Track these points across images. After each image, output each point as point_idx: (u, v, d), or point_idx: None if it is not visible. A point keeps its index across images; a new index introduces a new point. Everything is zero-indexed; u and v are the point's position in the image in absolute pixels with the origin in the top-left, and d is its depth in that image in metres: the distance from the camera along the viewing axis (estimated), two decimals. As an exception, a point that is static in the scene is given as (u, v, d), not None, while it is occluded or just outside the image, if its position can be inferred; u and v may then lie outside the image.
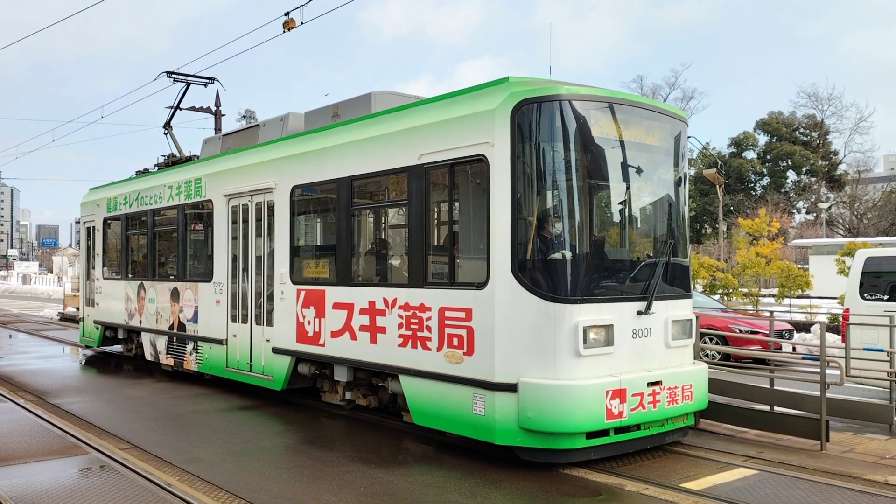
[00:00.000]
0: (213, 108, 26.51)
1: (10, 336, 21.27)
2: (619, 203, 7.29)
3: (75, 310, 30.69)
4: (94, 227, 15.92)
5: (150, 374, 13.36)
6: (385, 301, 8.08)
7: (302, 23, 13.48)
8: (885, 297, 10.21)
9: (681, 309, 7.59)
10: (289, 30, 13.79)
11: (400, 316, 7.87)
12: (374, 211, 9.23)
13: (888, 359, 8.64)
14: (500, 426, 6.74)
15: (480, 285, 6.96)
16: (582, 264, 6.84)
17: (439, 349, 7.38)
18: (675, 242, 7.61)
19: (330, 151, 9.04)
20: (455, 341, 7.21)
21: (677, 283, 7.62)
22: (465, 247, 7.46)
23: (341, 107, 9.94)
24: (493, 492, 6.27)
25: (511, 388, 6.70)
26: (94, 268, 15.86)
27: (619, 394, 6.69)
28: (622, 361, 6.92)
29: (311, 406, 10.11)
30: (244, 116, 67.69)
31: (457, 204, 7.46)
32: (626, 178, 7.22)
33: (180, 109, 16.44)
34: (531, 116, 6.80)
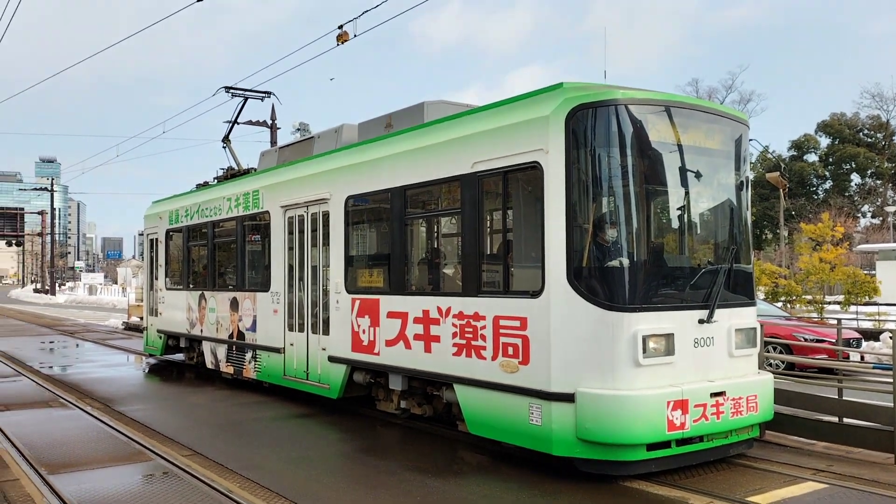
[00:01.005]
0: (269, 122, 27.15)
1: (77, 345, 22.01)
2: (678, 209, 7.11)
3: (139, 319, 31.67)
4: (156, 239, 16.40)
5: (211, 382, 13.63)
6: (439, 310, 8.07)
7: (355, 35, 13.66)
8: None
9: (744, 317, 7.36)
10: (342, 43, 13.97)
11: (454, 325, 7.85)
12: (427, 220, 9.24)
13: None
14: (557, 437, 6.64)
15: (535, 294, 6.89)
16: (640, 272, 6.70)
17: (494, 358, 7.32)
18: (738, 248, 7.39)
19: (383, 161, 9.10)
20: (510, 350, 7.14)
21: (740, 290, 7.39)
22: (519, 255, 7.39)
23: (394, 117, 10.00)
24: (550, 504, 6.17)
25: (568, 398, 6.59)
26: (157, 278, 16.33)
27: (681, 404, 6.51)
28: (684, 371, 6.74)
29: (365, 415, 10.16)
30: (298, 129, 69.09)
31: (510, 212, 7.41)
32: (684, 183, 7.05)
33: (238, 123, 16.82)
34: (586, 122, 6.71)
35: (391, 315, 8.83)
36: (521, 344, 7.03)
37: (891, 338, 7.64)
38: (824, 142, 60.38)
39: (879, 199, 55.62)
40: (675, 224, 7.19)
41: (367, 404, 10.17)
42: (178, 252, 15.40)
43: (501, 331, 7.25)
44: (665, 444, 6.57)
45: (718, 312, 6.97)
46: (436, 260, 8.78)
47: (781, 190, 30.53)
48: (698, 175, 7.13)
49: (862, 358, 13.51)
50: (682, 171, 7.00)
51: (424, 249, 9.19)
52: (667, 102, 6.98)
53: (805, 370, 12.91)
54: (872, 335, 17.99)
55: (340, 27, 13.93)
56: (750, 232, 7.83)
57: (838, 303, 22.84)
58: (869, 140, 59.50)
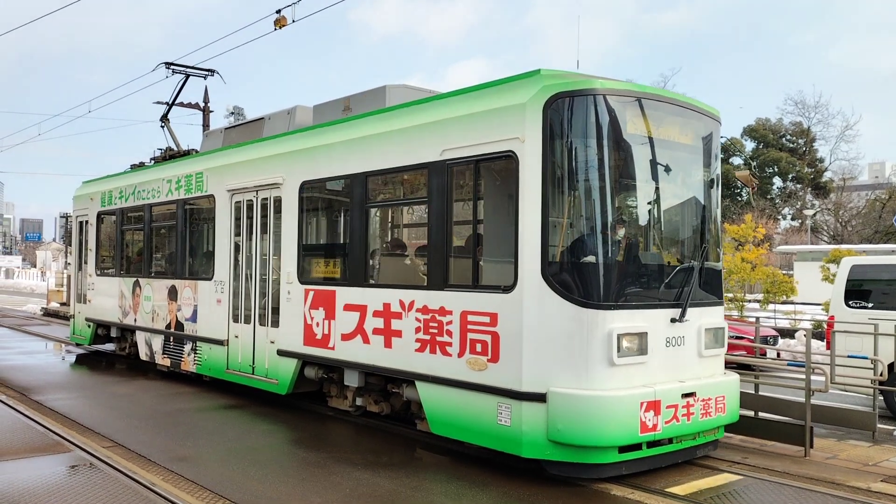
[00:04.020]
0: (202, 105, 26.07)
1: (-7, 331, 20.82)
2: (653, 204, 6.94)
3: (59, 305, 30.29)
4: (86, 222, 15.42)
5: (137, 372, 13.06)
6: (401, 303, 7.70)
7: (293, 21, 13.45)
8: (870, 306, 10.28)
9: (714, 316, 7.28)
10: (280, 27, 13.70)
11: (417, 319, 7.50)
12: (390, 209, 8.85)
13: (872, 366, 8.80)
14: (527, 438, 6.38)
15: (507, 289, 6.61)
16: (616, 268, 6.50)
17: (461, 355, 7.02)
18: (709, 246, 7.29)
19: (344, 146, 8.65)
20: (478, 347, 6.85)
21: (710, 289, 7.30)
22: (490, 248, 7.10)
23: (353, 100, 9.55)
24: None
25: (539, 397, 6.35)
26: (86, 263, 15.36)
27: (654, 405, 6.35)
28: (656, 371, 6.58)
29: (298, 407, 9.85)
30: (232, 113, 67.22)
31: (482, 202, 7.10)
32: (661, 178, 6.88)
33: (176, 103, 15.95)
34: (564, 111, 6.46)
35: (348, 308, 8.41)
36: (490, 341, 6.74)
37: (805, 336, 7.86)
38: (749, 145, 62.38)
39: (799, 203, 57.88)
40: (650, 219, 7.02)
41: (317, 400, 9.73)
42: (111, 236, 14.50)
43: (469, 327, 6.94)
44: (636, 447, 6.41)
45: (689, 311, 6.85)
46: (398, 251, 8.41)
47: (751, 188, 31.10)
48: (674, 170, 6.99)
49: (778, 355, 13.84)
50: (659, 165, 6.83)
51: (387, 240, 8.81)
52: (645, 95, 6.79)
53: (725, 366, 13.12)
54: (788, 333, 18.60)
55: (278, 11, 13.71)
56: (720, 229, 7.76)
57: (758, 301, 23.58)
58: (791, 145, 61.73)
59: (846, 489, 6.44)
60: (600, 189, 6.48)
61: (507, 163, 6.74)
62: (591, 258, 6.40)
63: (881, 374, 9.17)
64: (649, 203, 6.91)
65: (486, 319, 6.78)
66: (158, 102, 26.77)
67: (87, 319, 15.17)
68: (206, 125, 25.95)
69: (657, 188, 6.89)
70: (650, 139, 6.77)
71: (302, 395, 9.85)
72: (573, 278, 6.36)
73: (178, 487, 6.23)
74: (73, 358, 15.37)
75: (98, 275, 14.76)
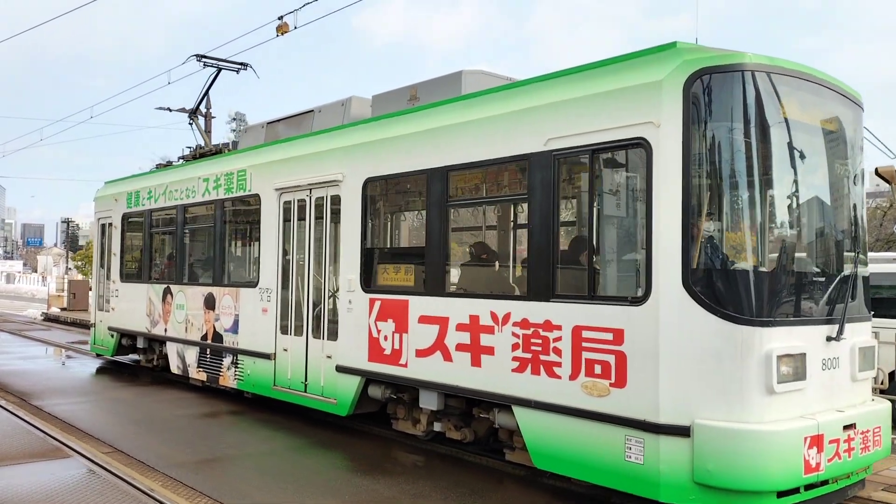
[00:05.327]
0: (204, 110, 25.24)
1: (-8, 336, 20.56)
2: (808, 202, 5.92)
3: (59, 310, 29.57)
4: (110, 224, 14.44)
5: (135, 377, 12.98)
6: (493, 316, 6.69)
7: (295, 27, 13.26)
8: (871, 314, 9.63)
9: (864, 333, 6.25)
10: (282, 34, 13.56)
11: (515, 334, 6.48)
12: (478, 208, 7.84)
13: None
14: (666, 479, 5.35)
15: (637, 301, 5.59)
16: (771, 277, 5.47)
17: (573, 377, 5.99)
18: (861, 252, 6.27)
19: (418, 137, 7.65)
20: (597, 369, 5.82)
21: (860, 301, 6.27)
22: (609, 252, 6.08)
23: (421, 88, 8.56)
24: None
25: (681, 431, 5.32)
26: (109, 269, 14.37)
27: (817, 441, 5.32)
28: (811, 400, 5.55)
29: (298, 413, 9.43)
30: (234, 119, 66.86)
31: (599, 199, 6.08)
32: (815, 171, 5.87)
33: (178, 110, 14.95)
34: (710, 91, 5.45)
35: (424, 320, 7.40)
36: (613, 361, 5.72)
37: None
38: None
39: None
40: (803, 220, 5.99)
41: (379, 421, 8.71)
42: (138, 239, 13.52)
43: (585, 344, 5.92)
44: (794, 490, 5.37)
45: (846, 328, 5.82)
46: (484, 256, 7.39)
47: (894, 184, 29.78)
48: (828, 162, 5.97)
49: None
50: (813, 157, 5.82)
51: (473, 243, 7.78)
52: (799, 73, 5.77)
53: None
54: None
55: (281, 18, 13.54)
56: (866, 232, 6.73)
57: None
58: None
59: (846, 498, 6.02)
60: (753, 184, 5.46)
61: (635, 152, 5.73)
62: (743, 264, 5.38)
63: (882, 383, 8.44)
64: (802, 201, 5.88)
65: (608, 336, 5.75)
66: (160, 108, 26.15)
67: (109, 329, 14.17)
68: (207, 130, 25.17)
69: (810, 184, 5.86)
70: (805, 126, 5.77)
71: (361, 417, 8.82)
72: (722, 288, 5.33)
73: (177, 493, 6.21)
74: (75, 364, 14.93)
75: (123, 281, 13.77)
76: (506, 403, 6.59)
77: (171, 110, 25.99)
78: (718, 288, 5.34)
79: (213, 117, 25.71)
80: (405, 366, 7.59)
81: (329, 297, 8.80)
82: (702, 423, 5.25)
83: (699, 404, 5.30)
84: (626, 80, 5.79)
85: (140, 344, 13.32)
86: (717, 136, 5.47)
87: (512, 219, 7.20)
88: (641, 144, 5.61)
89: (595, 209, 6.02)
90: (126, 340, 13.83)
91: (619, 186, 6.02)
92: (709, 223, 5.44)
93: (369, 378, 8.11)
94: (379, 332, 7.94)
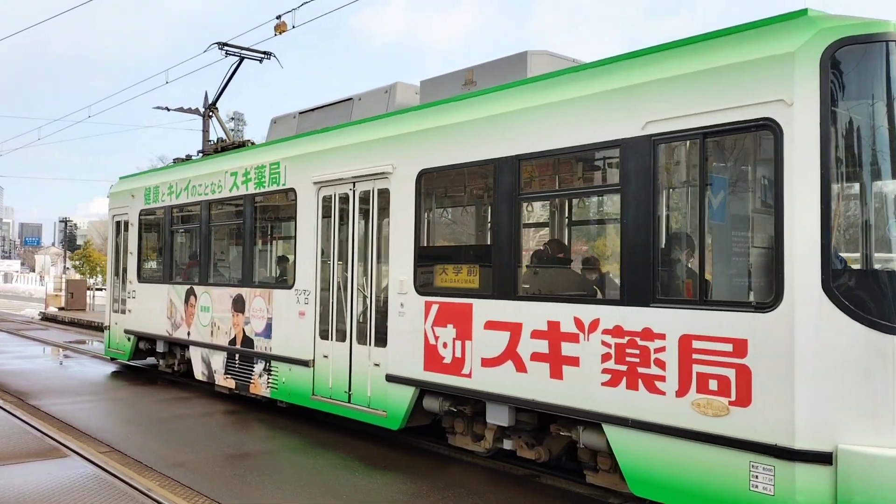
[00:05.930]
0: (203, 110, 24.58)
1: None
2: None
3: (57, 310, 28.97)
4: (125, 222, 13.70)
5: (134, 377, 12.91)
6: (578, 322, 5.95)
7: (293, 27, 13.21)
8: None
9: None
10: (280, 33, 13.42)
11: (605, 343, 5.75)
12: (555, 200, 7.10)
13: None
14: (804, 514, 4.62)
15: (764, 307, 4.85)
16: (925, 279, 4.75)
17: (681, 394, 5.26)
18: None
19: (483, 124, 6.91)
20: (712, 384, 5.09)
21: None
22: (726, 250, 5.35)
23: (478, 71, 7.83)
24: None
25: (822, 458, 4.59)
26: (124, 268, 13.63)
27: (978, 469, 4.59)
28: (962, 420, 4.82)
29: (295, 412, 9.20)
30: (232, 118, 66.33)
31: (711, 189, 5.34)
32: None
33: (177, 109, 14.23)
34: (852, 64, 4.72)
35: (491, 326, 6.67)
36: (733, 377, 4.98)
37: None
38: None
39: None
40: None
41: (433, 434, 7.98)
42: (157, 237, 12.78)
43: (696, 356, 5.18)
44: (949, 526, 4.64)
45: None
46: (560, 255, 6.65)
47: None
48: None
49: None
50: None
51: (546, 240, 7.05)
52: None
53: None
54: None
55: (279, 17, 13.40)
56: None
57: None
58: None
59: None
60: (903, 170, 4.73)
61: (759, 135, 5.00)
62: (894, 264, 4.65)
63: None
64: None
65: (727, 347, 5.02)
66: (158, 108, 25.49)
67: (126, 332, 13.42)
68: (205, 129, 24.50)
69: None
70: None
71: (413, 430, 8.09)
72: (873, 293, 4.60)
73: (175, 493, 6.17)
74: (73, 363, 14.59)
75: (141, 281, 13.03)
76: (593, 421, 5.86)
77: (168, 110, 25.46)
78: (866, 292, 4.61)
79: (211, 116, 25.06)
80: (469, 376, 6.86)
81: (376, 300, 8.07)
82: (847, 449, 4.52)
83: (843, 427, 4.57)
84: (747, 53, 5.06)
85: (160, 348, 12.58)
86: (860, 115, 4.74)
87: (604, 211, 6.49)
88: (768, 126, 4.87)
89: (707, 201, 5.28)
90: (144, 344, 13.10)
91: (738, 175, 5.29)
92: (852, 217, 4.72)
93: (425, 389, 7.38)
94: (437, 338, 7.20)
